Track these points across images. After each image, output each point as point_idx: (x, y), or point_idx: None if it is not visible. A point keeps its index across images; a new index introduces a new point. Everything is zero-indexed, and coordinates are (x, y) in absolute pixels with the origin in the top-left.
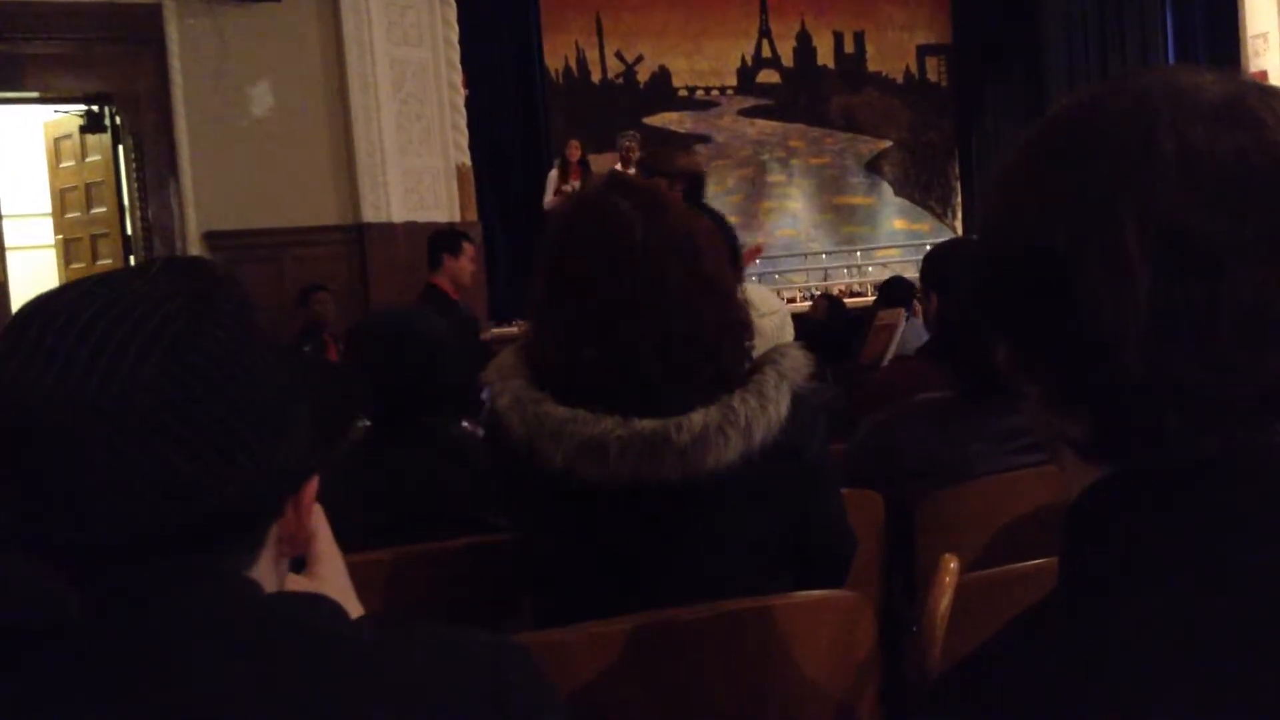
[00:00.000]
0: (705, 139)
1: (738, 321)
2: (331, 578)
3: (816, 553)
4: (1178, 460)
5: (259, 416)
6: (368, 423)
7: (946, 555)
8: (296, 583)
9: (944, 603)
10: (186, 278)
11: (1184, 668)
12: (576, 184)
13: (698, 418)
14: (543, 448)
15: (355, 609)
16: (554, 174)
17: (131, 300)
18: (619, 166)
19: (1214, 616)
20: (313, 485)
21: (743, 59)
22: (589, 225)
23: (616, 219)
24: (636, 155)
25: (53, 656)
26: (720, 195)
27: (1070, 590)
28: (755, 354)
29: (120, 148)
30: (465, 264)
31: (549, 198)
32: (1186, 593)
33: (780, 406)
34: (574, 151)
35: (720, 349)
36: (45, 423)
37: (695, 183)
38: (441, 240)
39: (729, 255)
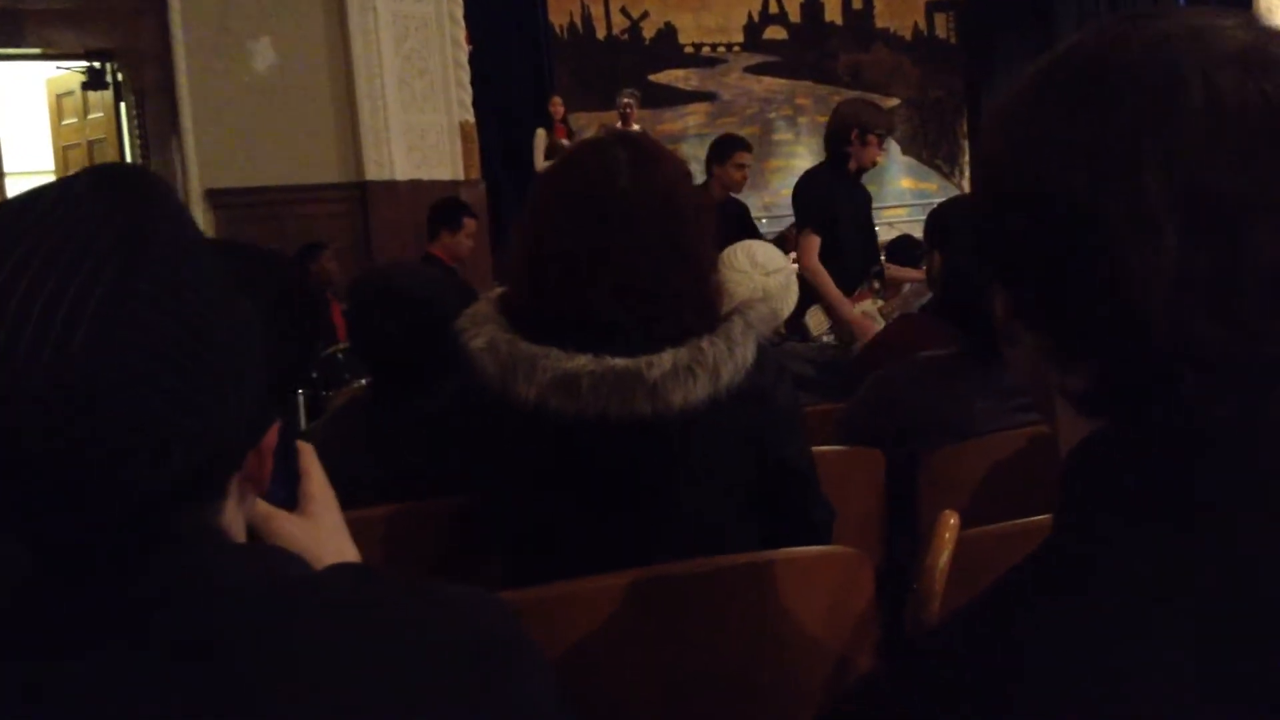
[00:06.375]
0: (711, 96)
1: (704, 294)
2: (324, 516)
3: (788, 509)
4: (1185, 420)
5: (209, 372)
6: (365, 381)
7: (946, 511)
8: (290, 521)
9: (943, 558)
10: (114, 195)
11: (1183, 617)
12: (565, 142)
13: (667, 356)
14: (515, 385)
15: (349, 548)
16: (541, 133)
17: (55, 243)
18: (619, 125)
19: (1216, 568)
20: (273, 431)
21: (749, 15)
22: (581, 165)
23: (606, 165)
24: (635, 114)
25: (25, 620)
26: None
27: (1067, 543)
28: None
29: (122, 104)
30: (463, 239)
31: (540, 161)
32: (1189, 546)
33: (747, 352)
34: (557, 109)
35: (680, 312)
36: None
37: None
38: (440, 214)
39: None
